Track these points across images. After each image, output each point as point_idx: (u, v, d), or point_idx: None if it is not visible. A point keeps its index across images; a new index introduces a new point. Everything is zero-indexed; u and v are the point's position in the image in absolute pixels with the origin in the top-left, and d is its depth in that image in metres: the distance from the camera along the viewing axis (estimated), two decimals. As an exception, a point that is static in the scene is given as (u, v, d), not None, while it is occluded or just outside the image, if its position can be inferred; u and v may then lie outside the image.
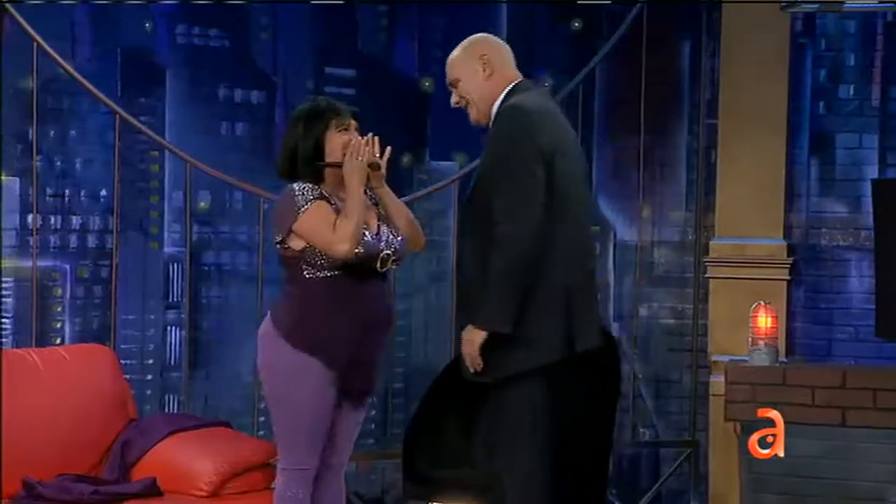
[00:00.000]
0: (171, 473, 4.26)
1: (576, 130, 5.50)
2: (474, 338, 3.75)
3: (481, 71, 3.87)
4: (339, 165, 3.88)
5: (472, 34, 3.96)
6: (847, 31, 5.48)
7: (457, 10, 5.68)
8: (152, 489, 4.20)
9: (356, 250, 3.82)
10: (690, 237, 5.70)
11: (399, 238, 3.96)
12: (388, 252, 3.90)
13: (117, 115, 5.06)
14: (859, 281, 5.47)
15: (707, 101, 5.57)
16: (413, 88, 5.94)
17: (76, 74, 4.98)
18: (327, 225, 3.82)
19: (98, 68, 5.32)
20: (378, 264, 3.88)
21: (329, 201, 3.88)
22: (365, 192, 3.91)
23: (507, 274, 3.69)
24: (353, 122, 3.95)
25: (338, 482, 4.03)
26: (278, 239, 3.89)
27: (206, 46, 5.64)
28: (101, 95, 5.03)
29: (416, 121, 5.95)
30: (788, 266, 5.42)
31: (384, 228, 3.95)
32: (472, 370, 3.79)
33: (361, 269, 3.85)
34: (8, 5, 4.82)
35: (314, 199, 3.84)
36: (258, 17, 5.73)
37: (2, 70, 4.83)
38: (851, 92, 5.49)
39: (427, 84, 5.92)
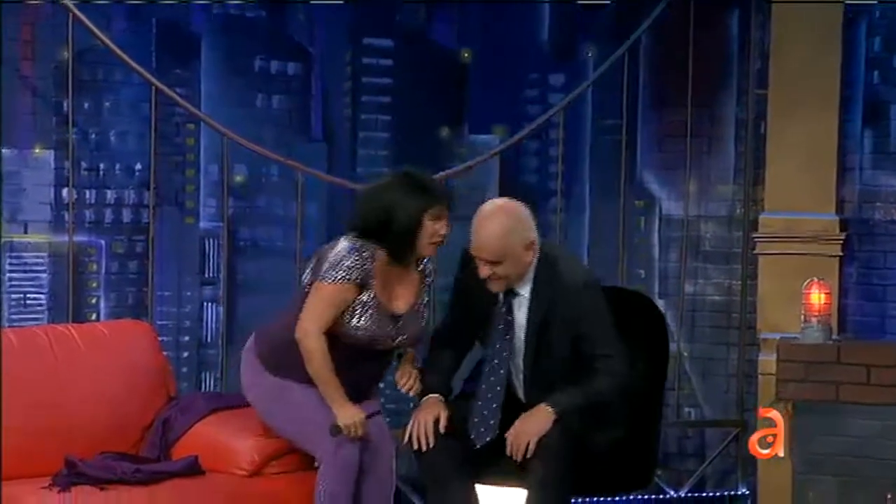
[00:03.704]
0: (211, 452, 4.19)
1: (621, 102, 5.46)
2: (546, 421, 3.94)
3: (528, 257, 3.98)
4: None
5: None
6: (903, -2, 5.33)
7: (497, -21, 5.56)
8: (194, 468, 4.12)
9: (359, 333, 3.86)
10: (739, 211, 5.56)
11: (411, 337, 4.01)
12: (398, 342, 3.98)
13: (153, 87, 4.95)
14: (913, 257, 5.34)
15: (756, 71, 5.44)
16: (452, 60, 5.80)
17: (112, 45, 4.88)
18: (326, 310, 3.83)
19: (133, 39, 5.20)
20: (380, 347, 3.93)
21: (366, 286, 3.85)
22: (417, 265, 4.02)
23: (605, 395, 4.06)
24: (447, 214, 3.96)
25: (378, 474, 4.04)
26: (307, 279, 3.92)
27: (242, 17, 5.52)
28: (138, 67, 4.93)
29: (454, 93, 5.82)
30: (841, 241, 5.29)
31: (410, 311, 3.96)
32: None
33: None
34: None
35: (350, 281, 3.83)
36: (295, -12, 5.62)
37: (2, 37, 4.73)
38: (907, 61, 5.35)
39: (466, 56, 5.77)
